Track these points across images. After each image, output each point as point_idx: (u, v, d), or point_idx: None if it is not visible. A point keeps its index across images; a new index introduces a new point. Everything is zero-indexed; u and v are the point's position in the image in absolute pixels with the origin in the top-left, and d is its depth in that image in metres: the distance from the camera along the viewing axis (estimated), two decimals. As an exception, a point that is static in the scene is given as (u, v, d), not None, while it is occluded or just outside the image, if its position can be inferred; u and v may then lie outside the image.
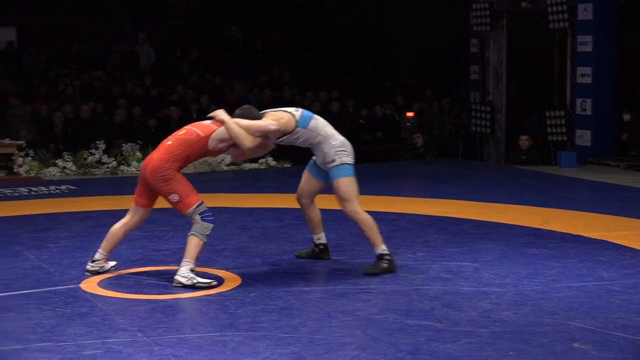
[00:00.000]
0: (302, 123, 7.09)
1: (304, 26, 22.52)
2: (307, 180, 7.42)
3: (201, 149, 6.87)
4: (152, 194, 6.94)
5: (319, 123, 7.17)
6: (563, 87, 15.90)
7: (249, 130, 6.83)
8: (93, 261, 7.15)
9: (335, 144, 7.13)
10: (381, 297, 6.49)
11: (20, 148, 14.32)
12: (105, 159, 14.54)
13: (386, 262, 7.14)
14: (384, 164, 15.79)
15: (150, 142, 14.98)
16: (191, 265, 6.70)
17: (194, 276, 6.69)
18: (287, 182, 12.54)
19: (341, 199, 7.13)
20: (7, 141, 14.27)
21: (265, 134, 6.91)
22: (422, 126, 17.47)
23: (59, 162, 14.38)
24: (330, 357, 5.13)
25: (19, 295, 6.52)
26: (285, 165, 15.09)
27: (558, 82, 16.11)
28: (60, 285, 6.80)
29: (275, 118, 7.03)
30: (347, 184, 7.09)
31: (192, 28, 21.59)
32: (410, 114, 17.47)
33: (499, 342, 5.38)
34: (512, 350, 5.23)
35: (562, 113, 15.54)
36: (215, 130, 6.84)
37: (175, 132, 6.95)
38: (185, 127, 6.98)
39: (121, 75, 18.94)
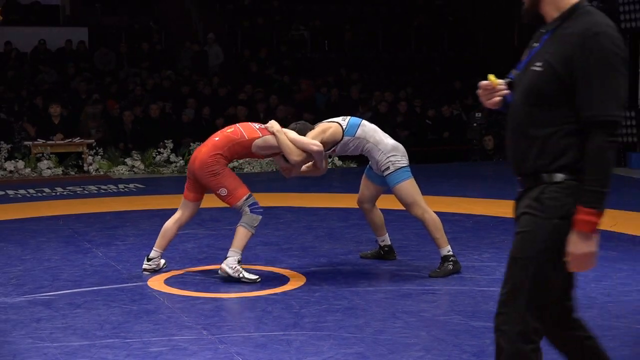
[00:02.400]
0: (350, 131, 7.07)
1: (377, 26, 22.49)
2: (365, 185, 7.40)
3: (244, 150, 6.99)
4: (200, 188, 7.06)
5: (367, 130, 7.13)
6: (634, 87, 15.65)
7: (295, 144, 6.86)
8: (149, 260, 7.25)
9: (385, 150, 7.10)
10: (446, 298, 6.46)
11: (90, 147, 14.54)
12: (173, 158, 14.69)
13: (451, 263, 7.10)
14: (451, 165, 15.71)
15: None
16: (238, 256, 6.81)
17: (241, 269, 6.80)
18: (352, 182, 12.51)
19: (406, 204, 7.10)
20: (77, 140, 14.50)
21: (308, 152, 6.91)
22: (490, 126, 17.33)
23: (128, 160, 14.56)
24: (394, 357, 5.11)
25: (87, 292, 6.61)
26: (351, 165, 15.10)
27: (629, 82, 15.87)
28: (127, 283, 6.89)
29: (322, 130, 7.02)
30: (407, 187, 7.06)
31: (261, 28, 21.70)
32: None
33: (565, 345, 5.32)
34: (579, 353, 5.16)
35: (633, 114, 15.30)
36: (259, 137, 6.92)
37: (224, 129, 7.14)
38: (234, 125, 7.16)
39: (190, 75, 19.12)
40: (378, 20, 22.71)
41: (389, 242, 7.63)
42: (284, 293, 6.56)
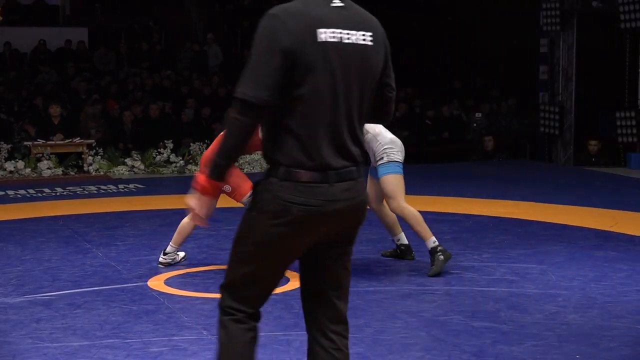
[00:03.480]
0: None
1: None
2: (370, 184, 7.41)
3: (255, 136, 6.97)
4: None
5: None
6: (634, 87, 15.65)
7: None
8: (165, 254, 7.36)
9: (383, 142, 7.13)
10: (446, 299, 6.46)
11: (90, 147, 14.54)
12: (173, 158, 14.69)
13: (440, 253, 7.10)
14: (451, 165, 15.71)
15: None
16: None
17: None
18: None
19: (387, 197, 7.13)
20: (77, 140, 14.50)
21: None
22: (490, 127, 17.35)
23: (128, 161, 14.56)
24: (394, 357, 5.12)
25: (87, 292, 6.62)
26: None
27: (628, 82, 15.87)
28: (127, 283, 6.89)
29: None
30: (393, 181, 7.08)
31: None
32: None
33: (565, 345, 5.33)
34: (579, 354, 5.17)
35: (633, 114, 15.31)
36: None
37: None
38: None
39: (190, 75, 19.12)
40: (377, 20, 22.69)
41: (406, 241, 7.62)
42: (284, 293, 6.55)
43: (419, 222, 7.11)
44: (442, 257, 7.10)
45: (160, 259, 7.40)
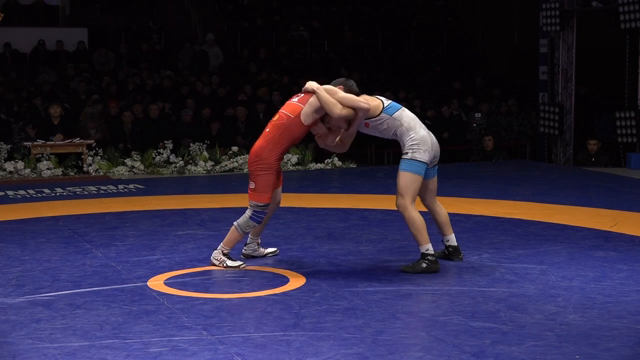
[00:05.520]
0: (389, 110, 7.12)
1: (377, 26, 22.51)
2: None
3: (298, 128, 7.12)
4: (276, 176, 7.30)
5: (405, 114, 7.18)
6: (633, 87, 15.65)
7: (342, 101, 6.89)
8: (246, 245, 7.64)
9: (414, 137, 7.11)
10: (446, 299, 6.46)
11: (89, 147, 14.54)
12: (172, 158, 14.68)
13: (426, 262, 7.12)
14: (451, 165, 15.70)
15: (217, 142, 15.13)
16: (225, 250, 7.29)
17: (225, 259, 7.28)
18: (352, 183, 12.55)
19: (397, 192, 7.12)
20: (77, 140, 14.50)
21: (354, 110, 6.97)
22: (490, 127, 17.35)
23: (128, 161, 14.55)
24: (394, 358, 5.12)
25: (87, 293, 6.61)
26: (351, 165, 15.10)
27: (628, 82, 15.87)
28: (127, 283, 6.89)
29: (367, 98, 7.06)
30: (408, 180, 7.07)
31: (260, 28, 21.72)
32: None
33: (565, 345, 5.32)
34: (579, 354, 5.17)
35: (633, 114, 15.30)
36: (303, 107, 7.04)
37: (272, 119, 7.22)
38: (278, 111, 7.23)
39: (190, 75, 19.12)
40: (378, 21, 22.72)
41: (455, 243, 7.56)
42: (284, 294, 6.56)
43: (418, 228, 7.11)
44: (424, 265, 7.12)
45: (243, 250, 7.65)
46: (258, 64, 20.02)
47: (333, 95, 6.98)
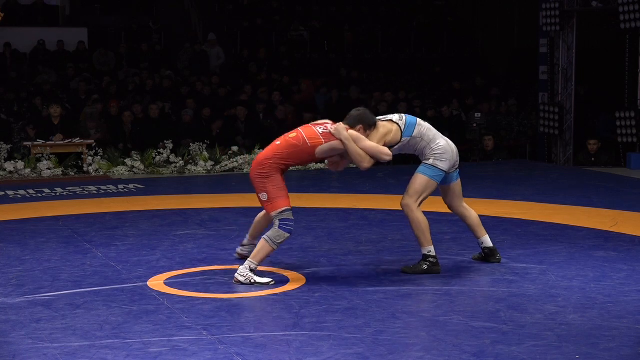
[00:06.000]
0: (407, 132, 7.12)
1: (377, 26, 22.51)
2: (444, 189, 7.42)
3: (306, 156, 6.96)
4: None
5: (423, 130, 7.18)
6: (633, 87, 15.64)
7: (366, 151, 6.87)
8: (242, 245, 7.43)
9: (435, 148, 7.15)
10: (446, 299, 6.46)
11: (89, 147, 14.54)
12: (172, 158, 14.68)
13: (427, 264, 7.15)
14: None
15: (217, 142, 15.12)
16: (253, 266, 6.82)
17: (252, 275, 6.80)
18: (352, 183, 12.54)
19: (407, 192, 7.14)
20: (77, 140, 14.50)
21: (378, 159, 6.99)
22: (490, 127, 17.34)
23: (128, 161, 14.55)
24: (394, 357, 5.12)
25: (87, 293, 6.61)
26: (351, 165, 15.07)
27: (628, 82, 15.86)
28: (127, 283, 6.89)
29: (384, 133, 7.03)
30: (423, 183, 7.11)
31: (260, 28, 21.72)
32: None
33: (565, 345, 5.33)
34: (579, 354, 5.17)
35: (633, 114, 15.29)
36: (323, 144, 6.87)
37: (287, 133, 7.03)
38: (298, 129, 7.04)
39: (190, 75, 19.12)
40: (378, 21, 22.72)
41: (490, 244, 7.54)
42: (284, 293, 6.56)
43: (423, 230, 7.13)
44: (425, 267, 7.15)
45: (237, 250, 7.47)
46: (258, 64, 20.02)
47: (358, 144, 6.90)
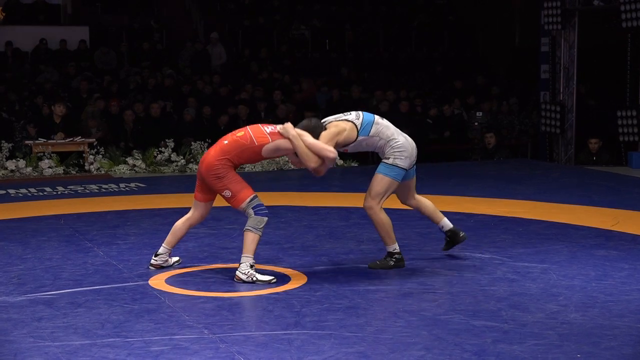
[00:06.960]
0: (364, 132, 7.09)
1: (378, 26, 22.52)
2: (399, 187, 7.42)
3: (254, 155, 6.90)
4: (209, 189, 7.01)
5: (380, 128, 7.14)
6: (635, 86, 15.64)
7: (311, 148, 6.83)
8: (156, 255, 7.28)
9: (395, 145, 7.13)
10: (447, 298, 6.46)
11: (91, 146, 14.54)
12: (174, 157, 14.68)
13: (393, 260, 7.24)
14: (452, 164, 15.71)
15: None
16: (250, 261, 6.81)
17: (254, 273, 6.79)
18: (353, 181, 12.54)
19: (369, 193, 7.16)
20: (78, 139, 14.50)
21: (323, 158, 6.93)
22: (491, 126, 17.34)
23: (129, 160, 14.55)
24: (395, 356, 5.12)
25: (88, 291, 6.61)
26: (352, 164, 15.10)
27: (630, 81, 15.86)
28: (128, 282, 6.89)
29: (337, 132, 7.01)
30: (384, 183, 7.12)
31: (261, 27, 21.73)
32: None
33: (567, 344, 5.32)
34: (580, 353, 5.17)
35: (634, 113, 15.29)
36: (270, 142, 6.84)
37: (234, 132, 7.00)
38: (244, 128, 7.00)
39: (191, 74, 19.12)
40: (378, 20, 22.73)
41: (450, 225, 7.56)
42: (285, 292, 6.56)
43: (387, 230, 7.21)
44: (392, 263, 7.26)
45: (152, 261, 7.30)
46: (259, 63, 20.02)
47: (301, 139, 6.83)
